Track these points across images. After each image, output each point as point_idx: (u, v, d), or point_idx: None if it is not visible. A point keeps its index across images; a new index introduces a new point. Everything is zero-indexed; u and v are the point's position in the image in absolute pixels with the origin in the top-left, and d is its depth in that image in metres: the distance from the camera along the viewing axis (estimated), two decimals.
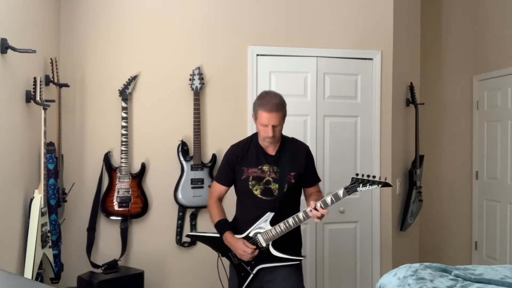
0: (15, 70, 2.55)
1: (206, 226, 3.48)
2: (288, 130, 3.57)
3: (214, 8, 3.59)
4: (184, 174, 3.44)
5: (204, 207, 3.47)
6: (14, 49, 2.38)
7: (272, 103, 2.39)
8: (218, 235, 2.53)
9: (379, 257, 3.78)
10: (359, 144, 3.77)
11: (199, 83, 3.46)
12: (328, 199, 2.31)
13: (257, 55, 3.61)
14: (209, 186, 3.44)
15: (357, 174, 2.30)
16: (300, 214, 2.36)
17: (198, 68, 3.50)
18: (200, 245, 3.51)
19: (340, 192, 2.29)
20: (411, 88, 4.04)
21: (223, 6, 3.60)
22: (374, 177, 2.27)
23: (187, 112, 3.47)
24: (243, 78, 3.60)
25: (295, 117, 3.63)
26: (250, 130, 3.54)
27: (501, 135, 4.39)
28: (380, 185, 2.26)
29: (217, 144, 3.53)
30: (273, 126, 2.38)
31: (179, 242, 3.50)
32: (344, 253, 3.76)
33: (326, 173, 3.68)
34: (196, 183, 3.44)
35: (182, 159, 3.44)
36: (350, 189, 2.28)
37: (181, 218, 3.50)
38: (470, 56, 4.77)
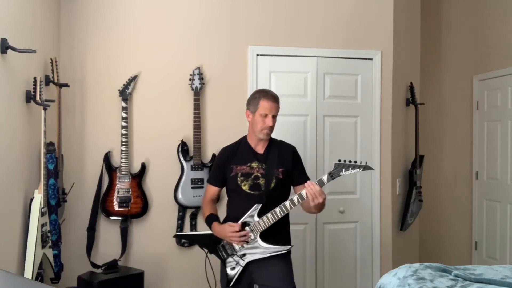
0: (15, 70, 2.55)
1: (206, 226, 3.48)
2: (288, 130, 3.58)
3: (214, 8, 3.59)
4: (184, 174, 3.44)
5: None
6: (14, 49, 2.39)
7: (273, 94, 2.59)
8: (203, 232, 2.67)
9: (379, 257, 3.78)
10: (359, 144, 3.77)
11: (199, 83, 3.46)
12: (319, 180, 2.39)
13: (257, 55, 3.61)
14: None
15: (339, 160, 2.38)
16: (287, 203, 2.41)
17: (198, 68, 3.50)
18: None
19: (324, 178, 2.37)
20: (411, 88, 4.04)
21: (223, 6, 3.60)
22: (355, 161, 2.36)
23: (187, 112, 3.47)
24: (243, 78, 3.60)
25: (295, 117, 3.64)
26: None
27: (501, 135, 4.39)
28: (361, 169, 2.34)
29: (217, 144, 3.51)
30: (272, 117, 2.53)
31: (179, 242, 3.50)
32: (344, 253, 3.76)
33: (326, 173, 3.67)
34: (196, 183, 3.44)
35: (182, 159, 3.44)
36: (333, 174, 2.37)
37: (181, 218, 3.50)
38: (470, 56, 4.77)
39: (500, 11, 4.44)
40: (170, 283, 3.52)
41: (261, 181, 2.54)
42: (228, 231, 2.47)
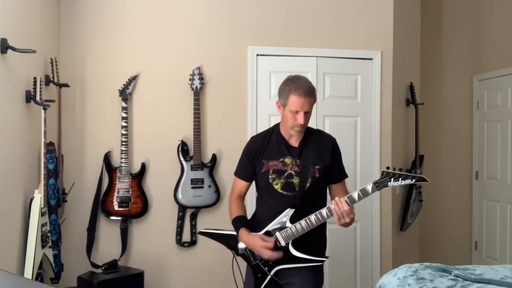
0: (15, 70, 2.56)
1: (206, 226, 3.48)
2: None
3: (214, 8, 3.59)
4: (184, 174, 3.44)
5: (204, 207, 3.48)
6: (14, 49, 2.39)
7: (306, 86, 2.20)
8: (233, 232, 2.34)
9: (379, 257, 3.78)
10: (359, 144, 3.77)
11: (199, 83, 3.46)
12: (355, 195, 2.13)
13: (257, 55, 3.61)
14: (209, 186, 3.45)
15: (387, 168, 2.13)
16: (324, 211, 2.16)
17: (198, 68, 3.50)
18: (200, 245, 3.52)
19: (369, 187, 2.12)
20: (411, 88, 4.04)
21: (223, 6, 3.60)
22: (407, 170, 2.13)
23: (187, 112, 3.47)
24: (243, 78, 3.60)
25: None
26: (250, 130, 3.54)
27: (501, 135, 4.39)
28: (414, 180, 2.07)
29: (217, 144, 3.53)
30: (305, 113, 2.20)
31: (179, 242, 3.50)
32: (344, 253, 3.76)
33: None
34: (196, 183, 3.44)
35: (182, 159, 3.44)
36: (380, 184, 2.11)
37: (181, 218, 3.50)
38: (470, 56, 4.76)
39: (500, 11, 4.44)
40: (170, 283, 3.52)
41: (295, 180, 2.25)
42: (259, 245, 2.19)
